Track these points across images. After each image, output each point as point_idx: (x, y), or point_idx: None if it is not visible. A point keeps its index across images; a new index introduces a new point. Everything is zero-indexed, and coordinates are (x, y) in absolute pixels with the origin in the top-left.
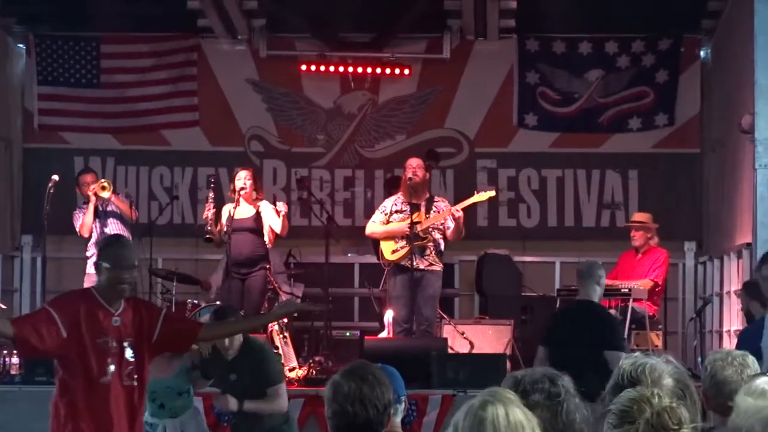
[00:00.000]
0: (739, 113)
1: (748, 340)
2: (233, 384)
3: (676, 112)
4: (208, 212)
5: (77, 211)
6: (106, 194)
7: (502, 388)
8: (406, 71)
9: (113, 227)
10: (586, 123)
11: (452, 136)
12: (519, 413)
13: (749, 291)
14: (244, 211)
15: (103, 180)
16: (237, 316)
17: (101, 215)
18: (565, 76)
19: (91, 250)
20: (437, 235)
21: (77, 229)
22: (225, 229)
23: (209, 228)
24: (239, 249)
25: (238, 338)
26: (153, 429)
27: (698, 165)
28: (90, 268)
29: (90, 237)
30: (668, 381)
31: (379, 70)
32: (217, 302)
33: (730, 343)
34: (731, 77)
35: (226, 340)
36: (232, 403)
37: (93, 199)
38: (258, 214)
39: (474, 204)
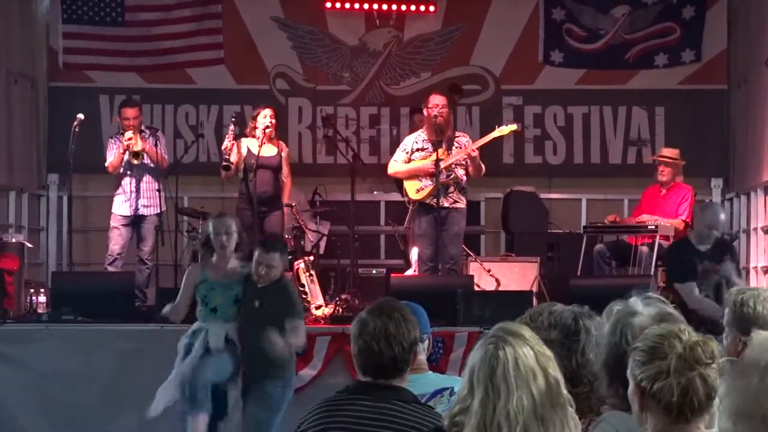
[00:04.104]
0: (766, 48)
1: None
2: (255, 310)
3: (702, 48)
4: (228, 143)
5: (113, 140)
6: (135, 161)
7: (517, 323)
8: (432, 8)
9: (146, 178)
10: (613, 59)
11: (478, 73)
12: (530, 356)
13: None
14: (268, 149)
15: (133, 142)
16: (283, 245)
17: (132, 165)
18: (591, 13)
19: (119, 190)
20: (460, 171)
21: (106, 165)
22: (244, 164)
23: (227, 157)
24: (263, 186)
25: (277, 272)
26: (195, 337)
27: (725, 101)
28: (116, 209)
29: (119, 176)
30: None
31: (404, 7)
32: None
33: (757, 280)
34: (758, 13)
35: (263, 270)
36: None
37: (125, 145)
38: (280, 154)
39: (497, 138)
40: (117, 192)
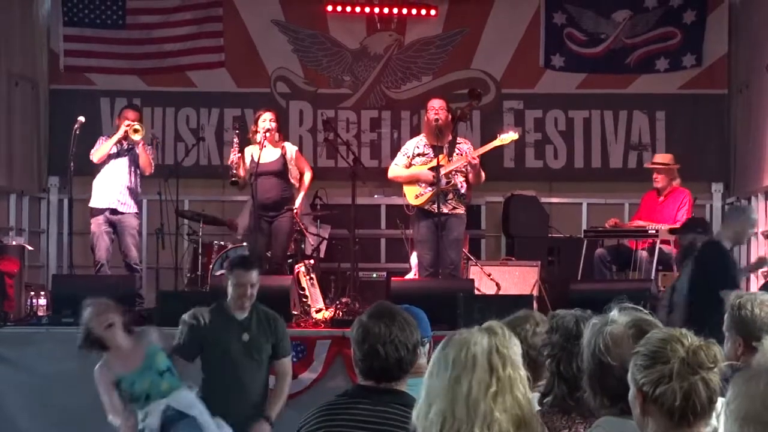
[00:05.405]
0: (767, 53)
1: None
2: (246, 345)
3: (703, 53)
4: (234, 155)
5: (104, 137)
6: (137, 137)
7: (497, 322)
8: (433, 12)
9: (123, 169)
10: (613, 64)
11: (479, 78)
12: (481, 345)
13: None
14: (269, 154)
15: (136, 123)
16: (262, 261)
17: (124, 153)
18: (593, 17)
19: (96, 182)
20: (460, 178)
21: (92, 152)
22: (250, 172)
23: (234, 171)
24: (266, 192)
25: (254, 297)
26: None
27: (726, 106)
28: (94, 201)
29: (99, 168)
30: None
31: (405, 11)
32: (244, 243)
33: (757, 285)
34: (759, 18)
35: (248, 291)
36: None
37: (122, 132)
38: (283, 156)
39: (498, 147)
40: (95, 183)
